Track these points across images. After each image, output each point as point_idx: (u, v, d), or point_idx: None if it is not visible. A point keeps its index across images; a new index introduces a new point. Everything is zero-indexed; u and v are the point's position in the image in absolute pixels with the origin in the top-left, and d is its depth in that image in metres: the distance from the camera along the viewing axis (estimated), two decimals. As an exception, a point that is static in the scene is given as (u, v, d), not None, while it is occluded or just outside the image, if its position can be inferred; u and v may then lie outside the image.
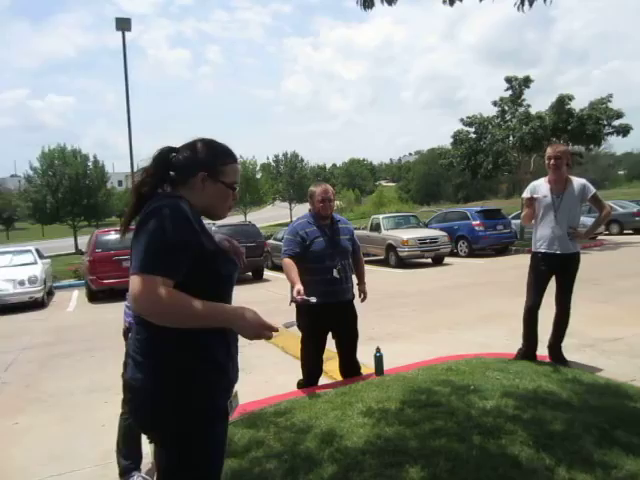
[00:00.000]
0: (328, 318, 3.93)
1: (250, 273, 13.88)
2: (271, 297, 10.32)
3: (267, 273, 14.32)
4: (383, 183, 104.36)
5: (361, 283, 4.23)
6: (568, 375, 4.03)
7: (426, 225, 17.21)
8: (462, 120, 20.63)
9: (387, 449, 2.86)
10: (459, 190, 72.53)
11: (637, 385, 3.81)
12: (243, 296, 10.43)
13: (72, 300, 12.32)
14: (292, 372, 4.38)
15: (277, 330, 1.60)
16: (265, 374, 5.12)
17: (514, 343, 4.70)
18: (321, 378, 4.22)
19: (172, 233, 1.47)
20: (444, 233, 15.31)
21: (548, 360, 4.49)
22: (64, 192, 33.45)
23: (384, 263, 15.18)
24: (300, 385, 4.16)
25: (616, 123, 17.96)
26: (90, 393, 4.99)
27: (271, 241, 16.07)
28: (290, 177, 62.05)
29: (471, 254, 16.26)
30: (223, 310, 1.52)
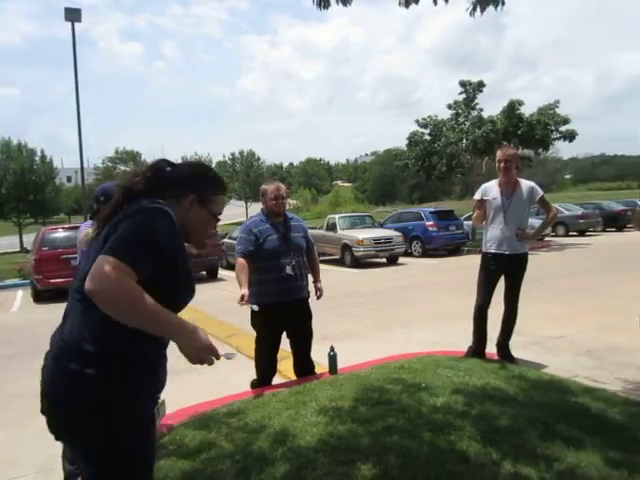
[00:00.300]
0: (282, 317, 3.93)
1: (204, 272, 13.70)
2: (226, 296, 10.20)
3: (222, 272, 14.16)
4: (339, 183, 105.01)
5: (316, 280, 4.24)
6: (515, 372, 4.16)
7: (381, 225, 17.44)
8: (417, 121, 20.98)
9: (340, 447, 2.87)
10: (414, 191, 73.79)
11: (579, 381, 3.98)
12: (198, 296, 10.32)
13: (16, 300, 11.86)
14: (246, 372, 4.34)
15: (219, 358, 1.57)
16: (218, 374, 5.03)
17: (464, 341, 4.82)
18: (275, 377, 4.22)
19: (157, 234, 1.46)
20: (398, 233, 15.54)
21: (496, 357, 4.62)
22: (8, 187, 32.22)
23: (339, 263, 15.28)
24: (254, 385, 4.13)
25: (563, 129, 18.67)
26: (35, 397, 4.79)
27: (226, 240, 15.89)
28: (246, 176, 61.62)
29: (425, 254, 16.57)
30: (174, 321, 1.45)
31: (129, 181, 1.64)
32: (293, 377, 4.32)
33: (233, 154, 66.51)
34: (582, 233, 21.59)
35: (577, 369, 4.43)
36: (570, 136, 18.72)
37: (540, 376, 4.08)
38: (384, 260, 15.24)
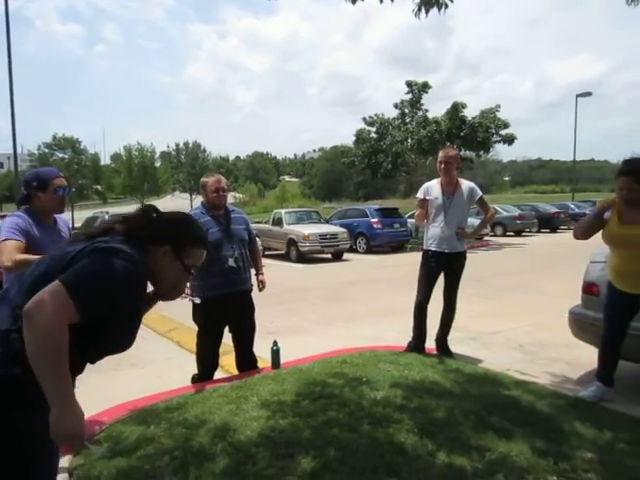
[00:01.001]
0: (225, 310, 3.89)
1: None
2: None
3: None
4: (287, 178, 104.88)
5: (258, 272, 4.21)
6: (452, 366, 4.30)
7: (327, 221, 17.55)
8: (364, 119, 21.24)
9: (280, 441, 2.88)
10: (360, 188, 74.53)
11: (511, 374, 4.15)
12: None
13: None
14: (187, 367, 4.27)
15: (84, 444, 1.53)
16: (158, 369, 4.95)
17: (405, 336, 4.92)
18: (217, 372, 4.18)
19: (120, 285, 1.44)
20: (344, 229, 15.71)
21: (435, 352, 4.76)
22: None
23: (285, 257, 15.29)
24: (194, 380, 4.07)
25: (503, 132, 19.42)
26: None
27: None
28: (191, 167, 60.48)
29: (369, 250, 16.81)
30: (63, 391, 1.36)
31: (122, 218, 1.68)
32: (235, 372, 4.28)
33: (178, 145, 65.17)
34: (519, 233, 22.52)
35: (510, 363, 4.61)
36: (509, 140, 19.49)
37: (475, 370, 4.23)
38: (329, 256, 15.37)
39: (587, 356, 4.27)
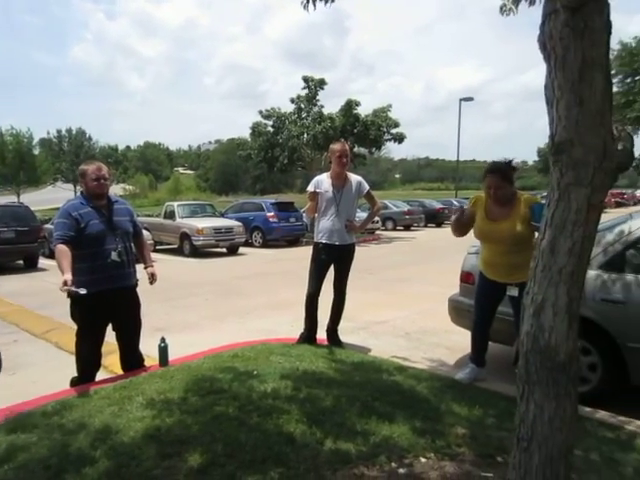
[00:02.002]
0: (107, 307, 3.69)
1: (22, 261, 12.34)
2: (47, 288, 9.31)
3: (43, 261, 12.87)
4: (181, 170, 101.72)
5: (147, 265, 4.02)
6: (342, 355, 4.43)
7: (222, 215, 17.29)
8: (261, 112, 21.13)
9: (166, 440, 2.79)
10: (257, 182, 74.29)
11: (396, 361, 4.36)
12: (13, 287, 9.29)
13: None
14: (66, 369, 4.01)
15: None
16: (34, 374, 4.60)
17: (298, 329, 4.99)
18: (99, 373, 3.95)
19: None
20: (239, 223, 15.56)
21: (326, 343, 4.87)
22: None
23: (178, 252, 14.84)
24: (74, 382, 3.82)
25: (394, 131, 20.22)
26: None
27: (49, 226, 14.50)
28: (75, 156, 56.61)
29: (265, 245, 16.80)
30: None
31: None
32: (120, 372, 4.09)
33: (60, 131, 60.72)
34: (407, 228, 23.70)
35: (395, 350, 4.85)
36: (399, 138, 20.35)
37: (363, 358, 4.38)
38: (224, 250, 15.15)
39: (465, 341, 4.58)
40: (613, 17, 1.74)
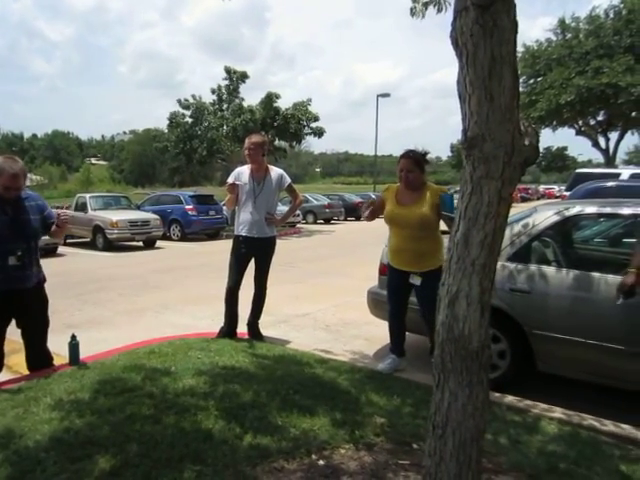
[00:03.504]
0: (7, 305, 3.44)
1: None
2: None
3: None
4: (93, 161, 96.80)
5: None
6: (262, 349, 4.39)
7: (138, 207, 16.65)
8: (179, 102, 20.53)
9: (75, 442, 2.64)
10: (175, 174, 71.81)
11: (317, 354, 4.38)
12: None
13: None
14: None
15: None
16: None
17: (218, 323, 4.89)
18: (2, 374, 3.67)
19: None
20: (156, 216, 15.06)
21: (247, 336, 4.81)
22: None
23: (90, 246, 14.14)
24: (-28, 386, 3.53)
25: (313, 125, 20.34)
26: None
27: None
28: (-26, 143, 52.35)
29: (184, 238, 16.39)
30: None
31: None
32: (26, 372, 3.82)
33: (-44, 116, 55.82)
34: (328, 221, 23.97)
35: (316, 343, 4.87)
36: (319, 133, 20.50)
37: (284, 352, 4.37)
38: (141, 244, 14.61)
39: (384, 332, 4.67)
40: (517, 20, 1.82)
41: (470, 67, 1.74)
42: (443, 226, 3.78)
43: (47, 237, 3.80)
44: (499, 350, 3.78)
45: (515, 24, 1.78)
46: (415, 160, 3.75)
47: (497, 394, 3.45)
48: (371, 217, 4.01)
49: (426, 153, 3.86)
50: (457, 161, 65.10)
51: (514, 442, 2.78)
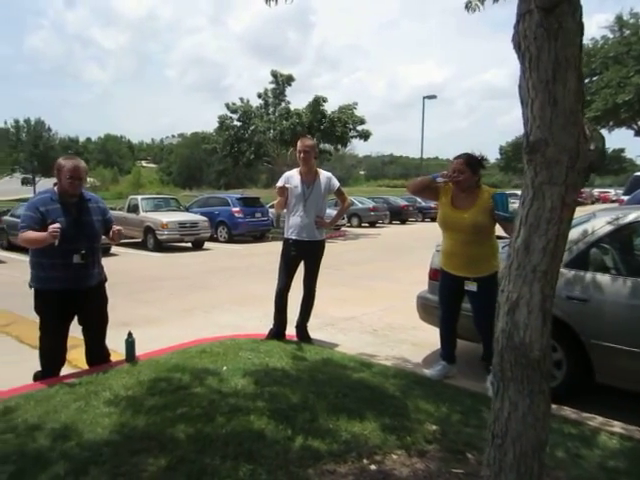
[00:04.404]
0: (72, 303, 3.59)
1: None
2: (4, 281, 8.99)
3: (1, 254, 12.45)
4: (143, 163, 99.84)
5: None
6: (311, 352, 4.41)
7: (187, 209, 17.03)
8: (227, 105, 20.89)
9: (134, 437, 2.73)
10: (221, 177, 73.48)
11: (364, 357, 4.37)
12: (-34, 280, 8.91)
13: None
14: (27, 363, 3.88)
15: None
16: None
17: (267, 324, 4.95)
18: (64, 368, 3.82)
19: None
20: (204, 218, 15.36)
21: (296, 339, 4.85)
22: None
23: (141, 246, 14.56)
24: (37, 377, 3.70)
25: (359, 128, 20.29)
26: None
27: (7, 217, 14.00)
28: (34, 147, 54.77)
29: (230, 239, 16.64)
30: None
31: None
32: (85, 367, 3.98)
33: (17, 121, 58.66)
34: (373, 224, 23.83)
35: (363, 346, 4.87)
36: (365, 135, 20.44)
37: (332, 355, 4.38)
38: (189, 245, 14.94)
39: (431, 337, 4.64)
40: (583, 22, 1.77)
41: (533, 71, 1.72)
42: (499, 231, 3.71)
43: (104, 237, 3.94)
44: (555, 360, 3.67)
45: (581, 26, 1.73)
46: (466, 161, 3.68)
47: (553, 406, 3.35)
48: (417, 191, 4.00)
49: (483, 158, 3.79)
50: (505, 164, 63.55)
51: (573, 456, 2.70)
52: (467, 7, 3.93)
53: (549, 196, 1.74)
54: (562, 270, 3.63)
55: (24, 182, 54.17)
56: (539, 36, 1.72)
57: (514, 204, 3.19)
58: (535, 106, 1.75)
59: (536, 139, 1.75)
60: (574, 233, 3.73)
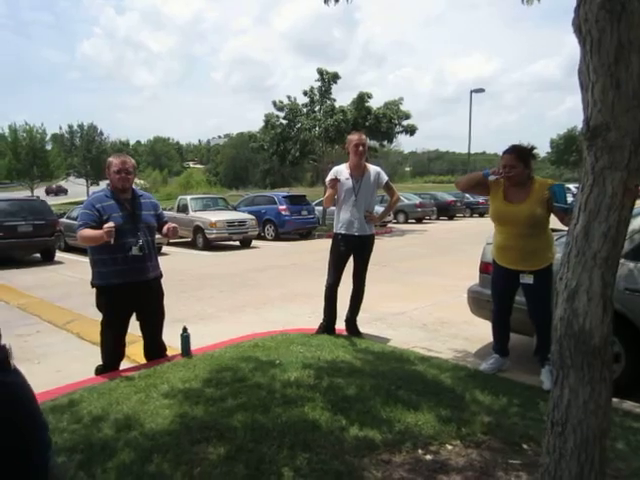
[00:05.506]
0: (130, 298, 3.73)
1: (39, 254, 12.47)
2: (64, 281, 9.40)
3: (60, 255, 13.01)
4: (191, 164, 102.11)
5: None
6: (362, 345, 4.44)
7: (234, 208, 17.33)
8: (274, 103, 21.07)
9: (193, 427, 2.83)
10: (267, 176, 74.25)
11: (416, 351, 4.36)
12: (31, 280, 9.39)
13: None
14: (90, 359, 4.07)
15: None
16: (57, 363, 4.66)
17: (316, 319, 5.01)
18: (123, 363, 3.99)
19: None
20: (252, 216, 15.58)
21: (345, 333, 4.88)
22: None
23: (191, 245, 14.92)
24: (99, 371, 3.87)
25: (405, 123, 20.10)
26: None
27: (64, 220, 14.62)
28: (87, 151, 56.90)
29: (277, 237, 16.83)
30: None
31: None
32: (143, 361, 4.14)
33: (71, 127, 61.08)
34: (419, 220, 23.57)
35: (414, 341, 4.85)
36: (411, 130, 20.22)
37: (383, 348, 4.39)
38: (237, 243, 15.20)
39: (483, 331, 4.58)
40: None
41: (594, 54, 1.68)
42: (555, 223, 3.62)
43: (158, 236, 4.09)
44: (614, 353, 3.56)
45: (645, 6, 1.69)
46: (517, 155, 3.59)
47: (614, 399, 3.26)
48: (468, 187, 4.03)
49: (533, 148, 3.71)
50: (557, 157, 61.65)
51: (634, 448, 2.62)
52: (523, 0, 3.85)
53: (610, 181, 1.70)
54: (622, 260, 3.52)
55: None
56: (601, 19, 1.68)
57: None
58: (596, 90, 1.71)
59: (597, 123, 1.72)
60: (636, 222, 3.60)
